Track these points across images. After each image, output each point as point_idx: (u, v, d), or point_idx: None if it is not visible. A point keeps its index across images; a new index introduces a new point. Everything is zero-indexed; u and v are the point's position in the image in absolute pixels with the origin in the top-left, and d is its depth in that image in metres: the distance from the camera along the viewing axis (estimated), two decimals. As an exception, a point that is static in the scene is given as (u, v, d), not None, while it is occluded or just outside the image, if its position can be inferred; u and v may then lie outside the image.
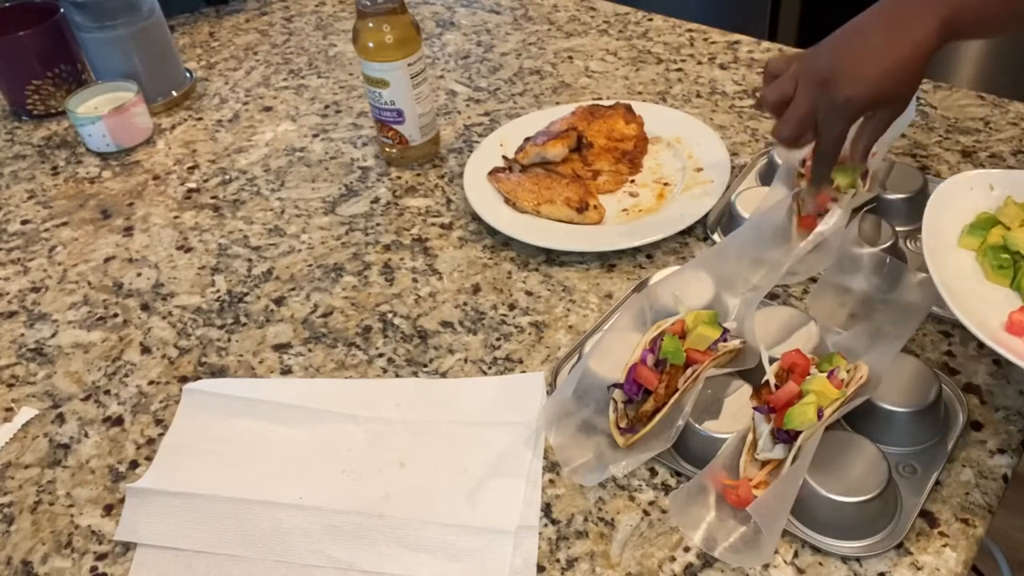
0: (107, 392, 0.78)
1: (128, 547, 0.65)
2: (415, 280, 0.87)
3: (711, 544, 0.59)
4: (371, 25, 0.92)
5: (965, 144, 0.96)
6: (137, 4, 1.13)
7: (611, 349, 0.69)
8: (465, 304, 0.83)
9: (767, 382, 0.65)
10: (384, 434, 0.71)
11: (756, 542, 0.58)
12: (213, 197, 1.02)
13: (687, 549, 0.61)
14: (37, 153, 1.14)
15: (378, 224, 0.95)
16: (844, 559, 0.59)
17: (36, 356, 0.83)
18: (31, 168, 1.11)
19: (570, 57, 1.22)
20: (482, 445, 0.69)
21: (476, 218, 0.93)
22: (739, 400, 0.66)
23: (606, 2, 1.37)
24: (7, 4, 1.20)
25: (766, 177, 0.91)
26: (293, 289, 0.87)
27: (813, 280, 0.80)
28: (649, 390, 0.66)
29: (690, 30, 1.26)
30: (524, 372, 0.75)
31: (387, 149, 1.03)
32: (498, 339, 0.79)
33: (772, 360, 0.66)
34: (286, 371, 0.78)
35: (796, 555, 0.59)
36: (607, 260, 0.86)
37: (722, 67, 1.16)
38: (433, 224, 0.94)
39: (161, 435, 0.73)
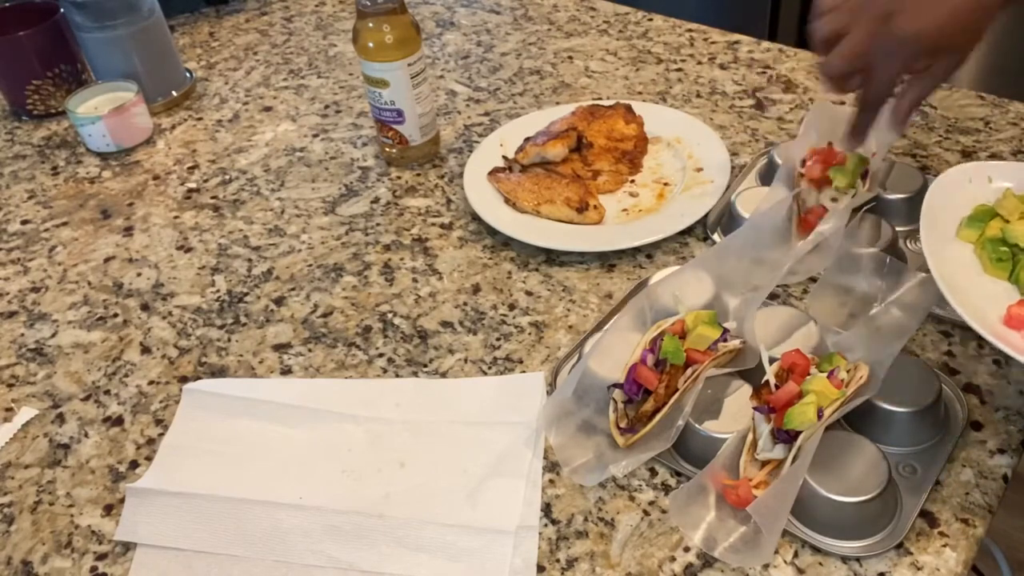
0: (107, 392, 0.78)
1: (128, 547, 0.65)
2: (415, 280, 0.87)
3: (711, 544, 0.59)
4: (371, 25, 0.92)
5: (965, 144, 0.96)
6: (137, 4, 1.13)
7: (611, 349, 0.69)
8: (465, 304, 0.83)
9: (767, 382, 0.64)
10: (384, 434, 0.71)
11: (756, 542, 0.58)
12: (213, 197, 1.02)
13: (687, 549, 0.61)
14: (37, 153, 1.14)
15: (378, 224, 0.95)
16: (844, 559, 0.59)
17: (36, 356, 0.83)
18: (31, 168, 1.11)
19: (570, 57, 1.22)
20: (482, 445, 0.69)
21: (476, 218, 0.93)
22: (739, 400, 0.66)
23: (606, 2, 1.37)
24: (7, 4, 1.20)
25: (766, 177, 0.91)
26: (293, 289, 0.87)
27: (813, 280, 0.80)
28: (649, 390, 0.66)
29: (690, 30, 1.26)
30: (524, 372, 0.75)
31: (387, 149, 1.03)
32: (498, 339, 0.79)
33: (772, 360, 0.66)
34: (286, 371, 0.78)
35: (796, 555, 0.59)
36: (607, 260, 0.86)
37: (722, 67, 1.16)
38: (433, 224, 0.94)
39: (161, 435, 0.73)
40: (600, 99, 1.10)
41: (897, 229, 0.80)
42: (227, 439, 0.72)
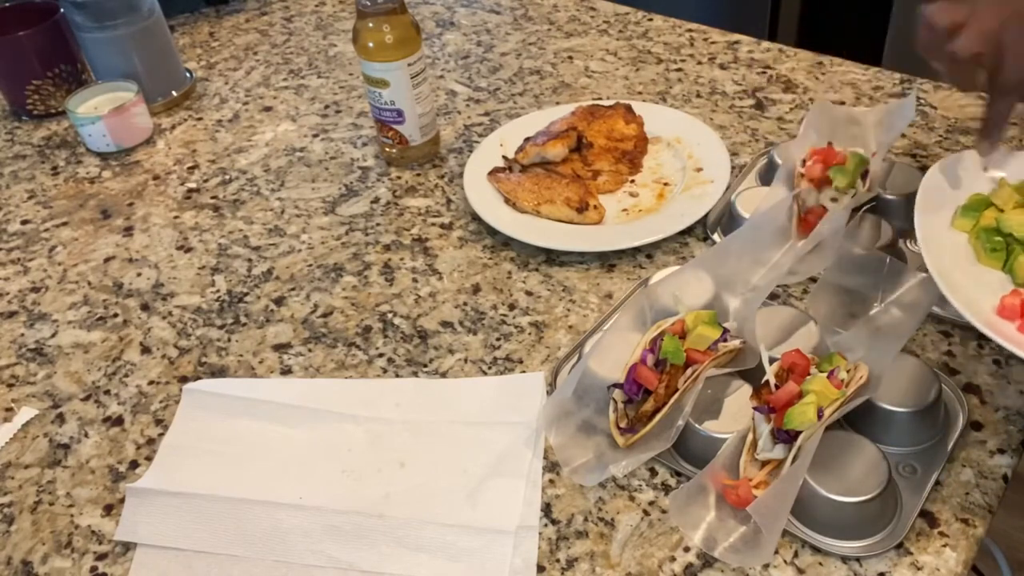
0: (107, 392, 0.78)
1: (128, 547, 0.65)
2: (415, 280, 0.87)
3: (711, 544, 0.59)
4: (371, 25, 0.92)
5: (965, 144, 0.96)
6: (137, 4, 1.13)
7: (611, 349, 0.69)
8: (465, 304, 0.83)
9: (767, 382, 0.64)
10: (384, 434, 0.71)
11: (756, 542, 0.58)
12: (213, 197, 1.02)
13: (687, 549, 0.61)
14: (37, 153, 1.14)
15: (378, 224, 0.95)
16: (844, 559, 0.59)
17: (36, 356, 0.83)
18: (31, 168, 1.11)
19: (570, 57, 1.22)
20: (482, 445, 0.69)
21: (476, 218, 0.93)
22: (739, 400, 0.66)
23: (606, 2, 1.37)
24: (7, 4, 1.20)
25: (766, 177, 0.91)
26: (293, 289, 0.87)
27: (813, 280, 0.80)
28: (649, 390, 0.66)
29: (690, 30, 1.26)
30: (524, 372, 0.75)
31: (387, 149, 1.03)
32: (498, 339, 0.79)
33: (772, 360, 0.66)
34: (286, 371, 0.78)
35: (796, 555, 0.59)
36: (607, 260, 0.86)
37: (722, 67, 1.16)
38: (433, 224, 0.94)
39: (161, 435, 0.73)
40: (600, 99, 1.10)
41: (897, 229, 0.80)
42: (227, 439, 0.72)
